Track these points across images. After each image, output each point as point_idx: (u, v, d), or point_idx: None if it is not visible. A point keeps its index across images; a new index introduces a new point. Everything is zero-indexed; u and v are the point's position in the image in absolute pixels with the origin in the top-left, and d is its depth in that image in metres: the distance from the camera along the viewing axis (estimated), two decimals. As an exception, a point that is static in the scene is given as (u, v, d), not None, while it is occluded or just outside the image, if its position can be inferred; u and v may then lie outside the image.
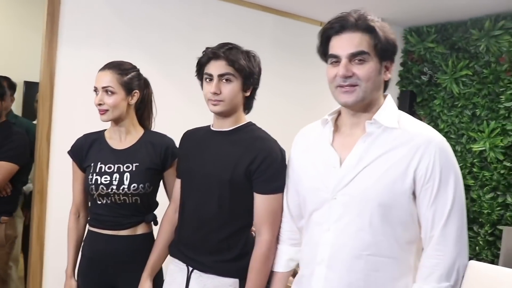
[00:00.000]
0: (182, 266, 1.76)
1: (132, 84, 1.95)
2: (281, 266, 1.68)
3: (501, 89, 3.56)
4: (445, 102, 3.90)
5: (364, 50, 1.39)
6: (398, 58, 4.21)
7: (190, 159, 1.79)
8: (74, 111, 2.82)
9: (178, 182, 1.87)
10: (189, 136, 1.88)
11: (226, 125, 1.74)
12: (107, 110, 1.90)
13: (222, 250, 1.69)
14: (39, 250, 2.77)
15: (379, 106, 1.45)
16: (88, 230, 2.01)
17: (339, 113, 1.54)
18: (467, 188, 3.72)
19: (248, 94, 1.74)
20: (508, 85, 3.52)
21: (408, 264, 1.43)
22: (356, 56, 1.39)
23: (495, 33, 3.58)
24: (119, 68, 1.93)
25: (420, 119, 3.92)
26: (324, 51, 1.47)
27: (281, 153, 1.70)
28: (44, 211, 2.78)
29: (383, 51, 1.41)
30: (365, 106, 1.45)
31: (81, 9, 2.87)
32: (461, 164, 3.74)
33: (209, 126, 1.82)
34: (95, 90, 1.92)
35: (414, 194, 1.38)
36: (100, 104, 1.90)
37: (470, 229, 3.69)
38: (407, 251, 1.42)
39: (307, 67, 3.70)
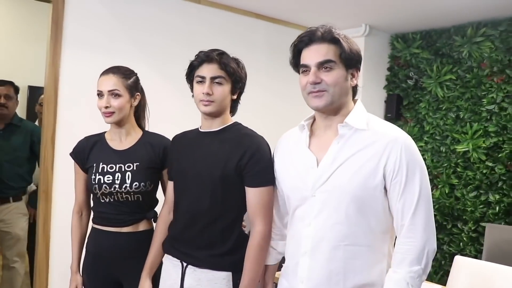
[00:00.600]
0: (177, 262, 1.79)
1: (134, 87, 2.00)
2: (271, 259, 1.77)
3: (483, 93, 3.64)
4: (430, 105, 3.95)
5: (331, 59, 1.49)
6: (385, 63, 4.28)
7: (181, 160, 1.83)
8: (78, 114, 2.87)
9: (170, 184, 1.91)
10: (178, 139, 1.92)
11: (214, 126, 1.79)
12: (113, 113, 1.93)
13: (215, 244, 1.73)
14: (45, 246, 2.82)
15: (350, 110, 1.55)
16: (92, 227, 2.05)
17: (314, 119, 1.64)
18: (452, 187, 3.80)
19: (235, 97, 1.81)
20: (490, 89, 3.60)
21: (383, 251, 1.52)
22: (324, 64, 1.49)
23: (477, 40, 3.66)
24: (122, 72, 1.98)
25: (407, 122, 4.04)
26: (296, 63, 1.59)
27: (268, 148, 1.76)
28: (49, 209, 2.82)
29: (348, 59, 1.51)
30: (336, 110, 1.54)
31: (84, 16, 2.93)
32: (445, 164, 3.82)
33: (197, 128, 1.87)
34: (100, 94, 1.95)
35: (385, 188, 1.48)
36: (106, 107, 1.92)
37: (454, 226, 3.77)
38: (382, 240, 1.52)
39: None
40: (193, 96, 1.81)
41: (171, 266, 1.82)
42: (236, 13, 3.63)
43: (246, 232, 1.82)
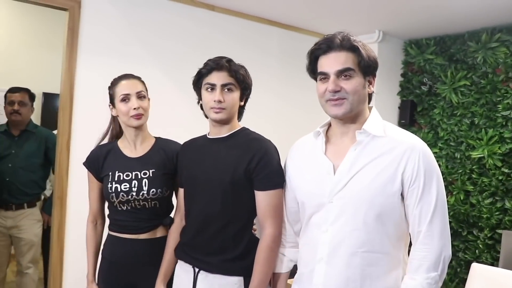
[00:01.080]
0: (189, 268, 1.81)
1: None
2: (283, 267, 1.78)
3: (498, 99, 3.61)
4: (445, 111, 3.93)
5: (350, 67, 1.51)
6: (399, 69, 4.27)
7: (191, 167, 1.85)
8: (93, 121, 2.87)
9: (181, 191, 1.93)
10: (187, 146, 1.94)
11: (223, 132, 1.81)
12: (142, 115, 1.97)
13: (227, 249, 1.75)
14: (59, 252, 2.83)
15: (366, 117, 1.57)
16: (109, 234, 2.06)
17: (329, 125, 1.65)
18: (467, 193, 3.76)
19: (242, 103, 1.84)
20: (505, 94, 3.57)
21: (398, 258, 1.53)
22: (343, 73, 1.51)
23: (491, 45, 3.63)
24: (138, 77, 2.04)
25: (421, 128, 4.03)
26: (313, 69, 1.60)
27: (276, 151, 1.78)
28: (64, 215, 2.84)
29: (366, 67, 1.53)
30: (353, 117, 1.56)
31: (99, 22, 2.97)
32: (460, 171, 3.79)
33: (205, 135, 1.89)
34: (125, 98, 1.96)
35: (401, 194, 1.49)
36: (137, 108, 1.94)
37: (470, 232, 3.73)
38: (397, 246, 1.53)
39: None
40: (198, 103, 1.85)
41: (183, 271, 1.83)
42: (250, 20, 3.65)
43: (257, 235, 1.83)
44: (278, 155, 1.77)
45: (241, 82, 1.76)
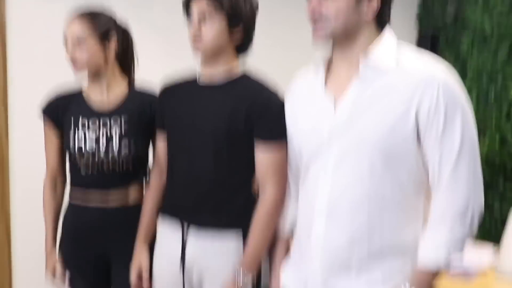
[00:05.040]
0: (176, 223, 1.86)
1: (108, 32, 2.01)
2: (288, 223, 1.80)
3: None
4: (475, 40, 3.88)
5: None
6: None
7: (177, 109, 1.87)
8: (34, 69, 2.82)
9: (161, 138, 1.96)
10: (170, 91, 1.95)
11: (216, 75, 1.82)
12: (80, 64, 1.96)
13: (221, 209, 1.81)
14: (5, 231, 2.83)
15: (371, 41, 1.54)
16: (70, 203, 2.11)
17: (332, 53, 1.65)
18: (503, 139, 3.75)
19: (238, 36, 1.81)
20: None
21: (417, 208, 1.56)
22: None
23: None
24: (91, 15, 2.00)
25: (444, 59, 3.98)
26: None
27: (282, 100, 1.79)
28: (7, 186, 2.81)
29: None
30: (347, 40, 1.54)
31: None
32: (494, 113, 3.77)
33: (194, 78, 1.89)
34: (65, 41, 1.98)
35: (419, 137, 1.48)
36: (71, 57, 1.96)
37: (507, 186, 3.73)
38: (415, 197, 1.55)
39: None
40: None
41: (168, 229, 1.89)
42: None
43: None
44: (283, 104, 1.78)
45: (222, 6, 1.74)
